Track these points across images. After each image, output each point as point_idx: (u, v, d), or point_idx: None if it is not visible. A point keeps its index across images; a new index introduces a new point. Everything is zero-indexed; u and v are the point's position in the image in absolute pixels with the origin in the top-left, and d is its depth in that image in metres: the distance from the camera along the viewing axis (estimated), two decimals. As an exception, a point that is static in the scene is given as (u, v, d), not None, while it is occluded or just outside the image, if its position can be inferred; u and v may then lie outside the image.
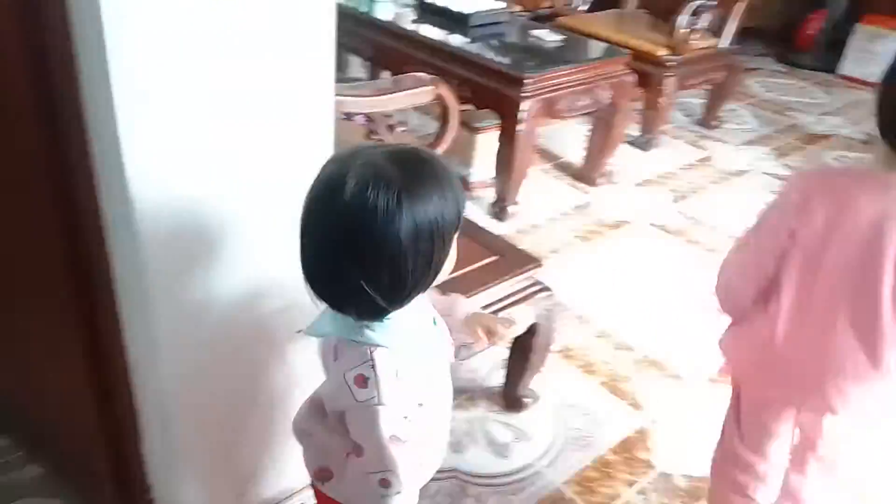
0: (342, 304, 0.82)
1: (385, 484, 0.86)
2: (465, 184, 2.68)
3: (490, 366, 1.80)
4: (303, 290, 0.83)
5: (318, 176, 0.79)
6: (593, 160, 2.77)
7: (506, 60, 2.45)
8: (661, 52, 2.97)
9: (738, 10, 3.14)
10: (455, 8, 2.71)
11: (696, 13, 2.93)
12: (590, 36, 3.05)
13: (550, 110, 2.38)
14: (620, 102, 2.57)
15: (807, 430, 1.16)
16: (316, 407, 0.95)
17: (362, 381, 0.82)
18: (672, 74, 2.97)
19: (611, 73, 2.52)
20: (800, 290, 1.05)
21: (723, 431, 1.27)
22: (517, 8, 3.27)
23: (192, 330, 1.03)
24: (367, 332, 0.83)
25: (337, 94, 1.04)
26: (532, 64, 2.43)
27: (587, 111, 2.54)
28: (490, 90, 2.37)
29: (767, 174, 3.08)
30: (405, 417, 0.85)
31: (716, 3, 2.96)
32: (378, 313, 0.82)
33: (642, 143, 3.16)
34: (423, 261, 0.78)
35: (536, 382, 1.70)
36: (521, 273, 1.45)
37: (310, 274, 0.81)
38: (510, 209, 2.50)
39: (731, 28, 3.16)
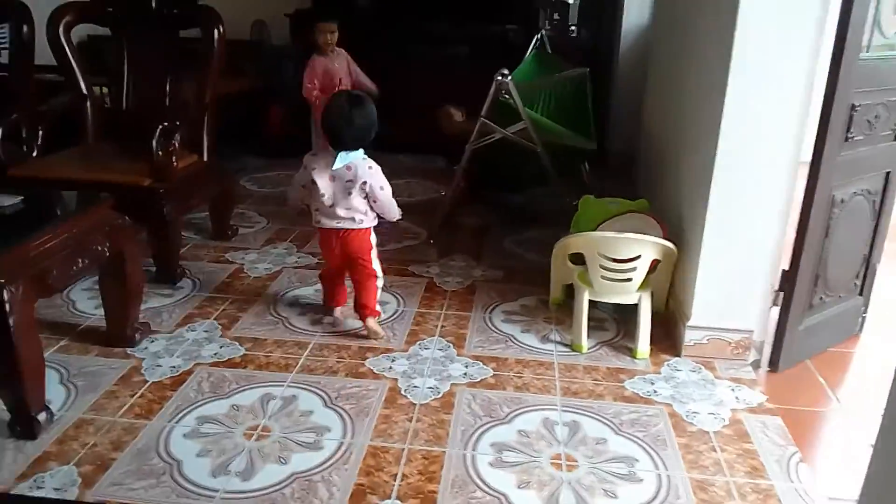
0: (357, 146, 2.34)
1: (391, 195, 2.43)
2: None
3: None
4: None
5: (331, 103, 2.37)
6: (119, 317, 2.37)
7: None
8: (148, 182, 2.75)
9: (209, 122, 3.13)
10: None
11: (166, 135, 2.80)
12: (58, 183, 2.65)
13: (42, 288, 1.93)
14: (124, 249, 2.25)
15: None
16: (358, 196, 2.39)
17: (373, 168, 2.37)
18: (167, 201, 2.78)
19: (101, 221, 2.19)
20: None
21: None
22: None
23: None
24: (363, 154, 2.37)
25: None
26: (-5, 240, 1.94)
27: (89, 271, 2.16)
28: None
29: (297, 267, 3.14)
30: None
31: (178, 122, 2.86)
32: (364, 147, 2.37)
33: (167, 278, 2.88)
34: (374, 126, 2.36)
35: None
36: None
37: (342, 138, 2.32)
38: (41, 418, 1.95)
39: (205, 143, 3.13)
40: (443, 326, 2.63)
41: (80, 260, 2.07)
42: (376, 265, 2.52)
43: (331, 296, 2.68)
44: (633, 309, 2.47)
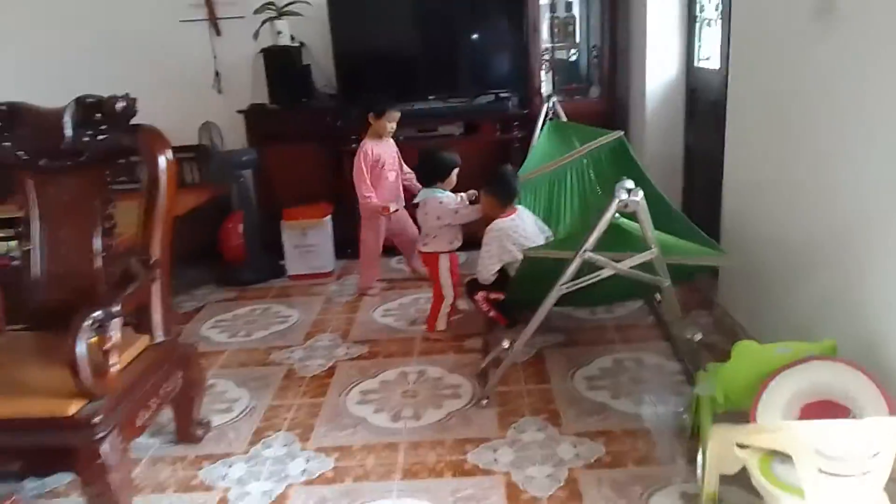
0: (427, 185, 3.11)
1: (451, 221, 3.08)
2: None
3: None
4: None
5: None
6: None
7: None
8: (75, 407, 1.76)
9: (162, 287, 2.17)
10: None
11: (101, 327, 1.83)
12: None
13: None
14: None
15: None
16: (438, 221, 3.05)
17: (442, 201, 3.04)
18: (107, 430, 1.78)
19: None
20: None
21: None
22: None
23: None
24: (438, 191, 3.06)
25: None
26: None
27: None
28: None
29: (309, 482, 2.15)
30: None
31: (119, 307, 1.88)
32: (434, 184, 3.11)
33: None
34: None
35: None
36: None
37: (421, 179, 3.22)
38: None
39: (158, 317, 2.16)
40: (566, 582, 1.68)
41: None
42: (446, 291, 3.06)
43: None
44: None
